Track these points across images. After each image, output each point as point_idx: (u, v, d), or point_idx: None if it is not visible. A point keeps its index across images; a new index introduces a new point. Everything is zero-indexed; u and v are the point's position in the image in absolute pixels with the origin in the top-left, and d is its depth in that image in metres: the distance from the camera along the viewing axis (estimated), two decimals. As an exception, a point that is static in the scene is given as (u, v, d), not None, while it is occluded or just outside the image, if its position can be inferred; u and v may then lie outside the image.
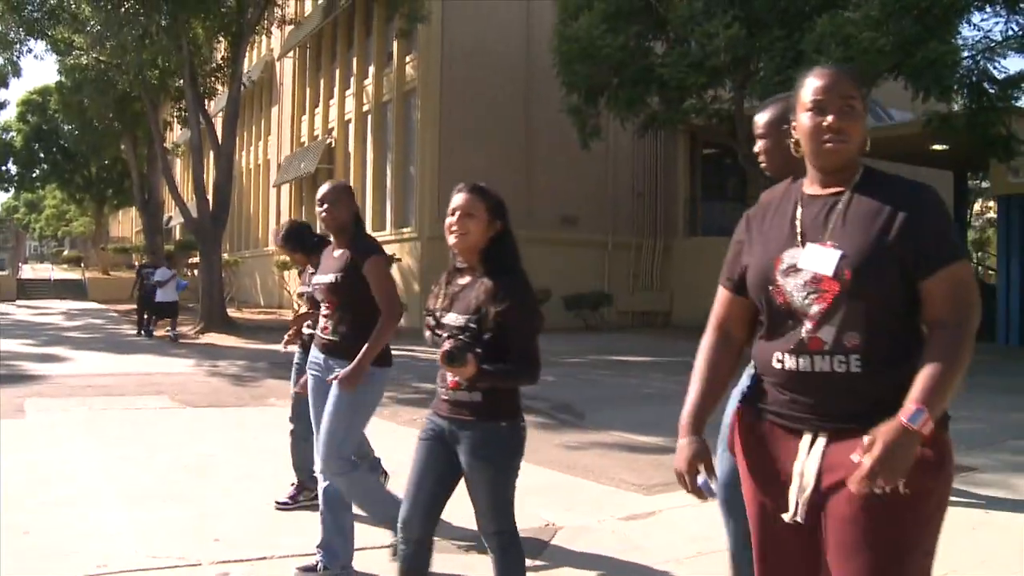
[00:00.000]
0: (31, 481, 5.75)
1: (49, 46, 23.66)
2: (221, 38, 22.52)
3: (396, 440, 7.33)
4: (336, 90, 28.10)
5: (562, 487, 5.95)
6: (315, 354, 4.26)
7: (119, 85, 23.38)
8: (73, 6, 20.51)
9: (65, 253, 71.86)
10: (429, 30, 21.85)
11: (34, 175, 47.62)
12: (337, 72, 28.07)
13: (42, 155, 45.89)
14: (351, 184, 27.09)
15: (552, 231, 22.85)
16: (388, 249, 23.04)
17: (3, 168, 47.13)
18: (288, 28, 27.94)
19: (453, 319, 2.99)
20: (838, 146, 2.02)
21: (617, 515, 5.19)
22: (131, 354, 15.31)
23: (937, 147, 19.18)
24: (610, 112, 17.15)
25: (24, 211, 76.92)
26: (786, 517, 2.03)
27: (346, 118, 27.32)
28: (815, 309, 1.99)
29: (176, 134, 38.09)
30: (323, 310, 4.20)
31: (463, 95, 22.16)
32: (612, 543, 4.64)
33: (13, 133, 45.80)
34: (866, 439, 1.82)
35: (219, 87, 24.51)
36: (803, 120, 2.06)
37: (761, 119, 3.10)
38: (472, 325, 2.92)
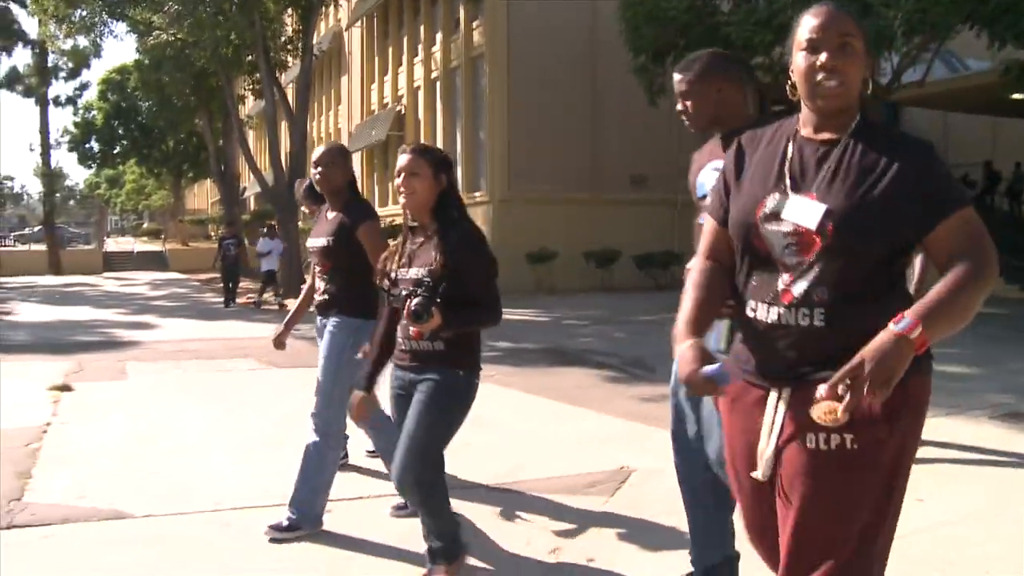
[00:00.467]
0: (145, 433, 6.27)
1: (129, 27, 24.43)
2: (291, 11, 22.98)
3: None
4: (404, 58, 28.40)
5: (636, 434, 6.22)
6: (319, 319, 4.37)
7: (196, 62, 24.05)
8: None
9: (145, 226, 74.02)
10: (495, -5, 21.98)
11: (115, 152, 49.01)
12: (405, 40, 28.36)
13: (121, 132, 47.19)
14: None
15: (621, 192, 22.93)
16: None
17: (87, 146, 48.68)
18: (355, -1, 28.35)
19: (414, 273, 3.14)
20: (833, 87, 1.90)
21: (688, 460, 5.42)
22: (216, 320, 15.96)
23: (1018, 96, 18.65)
24: (677, 72, 17.13)
25: (105, 187, 79.25)
26: (754, 475, 1.99)
27: (415, 85, 27.64)
28: (792, 261, 1.91)
29: (249, 106, 38.92)
30: (318, 271, 4.29)
31: (530, 59, 22.26)
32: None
33: (95, 112, 47.22)
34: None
35: (290, 59, 25.04)
36: (798, 60, 1.94)
37: (685, 77, 3.11)
38: (430, 278, 3.08)
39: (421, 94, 27.17)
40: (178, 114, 34.56)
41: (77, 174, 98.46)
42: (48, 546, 3.91)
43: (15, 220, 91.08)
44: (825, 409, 1.76)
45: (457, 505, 4.34)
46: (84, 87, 45.64)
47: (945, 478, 4.90)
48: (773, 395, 1.96)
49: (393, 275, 3.23)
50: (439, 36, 25.83)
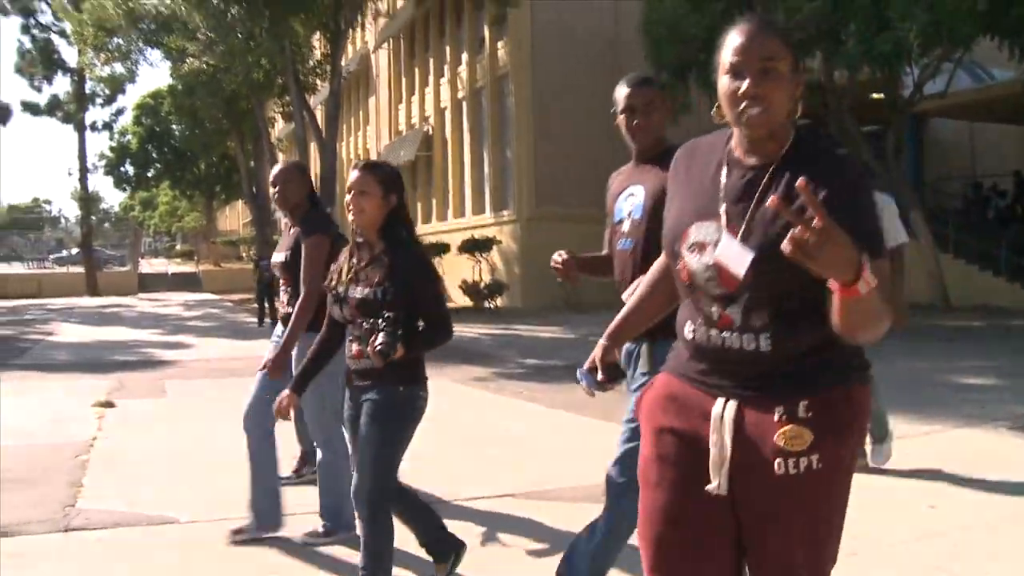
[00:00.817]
0: (186, 446, 6.56)
1: (164, 54, 25.08)
2: (320, 35, 23.46)
3: (503, 413, 7.89)
4: (431, 78, 28.80)
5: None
6: (278, 328, 4.48)
7: (228, 86, 24.59)
8: (184, 15, 21.75)
9: (178, 248, 75.12)
10: (519, 14, 22.22)
11: (149, 174, 49.90)
12: (431, 61, 28.77)
13: (155, 155, 48.06)
14: (449, 169, 27.59)
15: (647, 208, 23.08)
16: (487, 232, 23.56)
17: (122, 169, 49.60)
18: (382, 20, 28.78)
19: (360, 292, 3.13)
20: (757, 115, 1.79)
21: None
22: (251, 340, 16.23)
23: (1043, 105, 18.64)
24: (698, 88, 17.35)
25: (139, 209, 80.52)
26: (710, 488, 1.86)
27: (442, 105, 28.01)
28: (717, 292, 1.86)
29: (279, 128, 39.55)
30: (281, 285, 4.37)
31: (555, 77, 22.49)
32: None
33: (130, 136, 48.15)
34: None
35: (319, 82, 25.50)
36: (722, 83, 1.84)
37: (651, 92, 3.16)
38: (379, 298, 3.08)
39: (448, 114, 27.53)
40: (210, 137, 35.21)
41: (112, 197, 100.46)
42: (102, 548, 4.18)
43: (53, 243, 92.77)
44: (790, 435, 1.79)
45: (483, 515, 4.58)
46: (120, 112, 46.66)
47: (958, 487, 5.01)
48: (719, 402, 1.88)
49: (341, 292, 3.23)
50: (464, 56, 26.20)
